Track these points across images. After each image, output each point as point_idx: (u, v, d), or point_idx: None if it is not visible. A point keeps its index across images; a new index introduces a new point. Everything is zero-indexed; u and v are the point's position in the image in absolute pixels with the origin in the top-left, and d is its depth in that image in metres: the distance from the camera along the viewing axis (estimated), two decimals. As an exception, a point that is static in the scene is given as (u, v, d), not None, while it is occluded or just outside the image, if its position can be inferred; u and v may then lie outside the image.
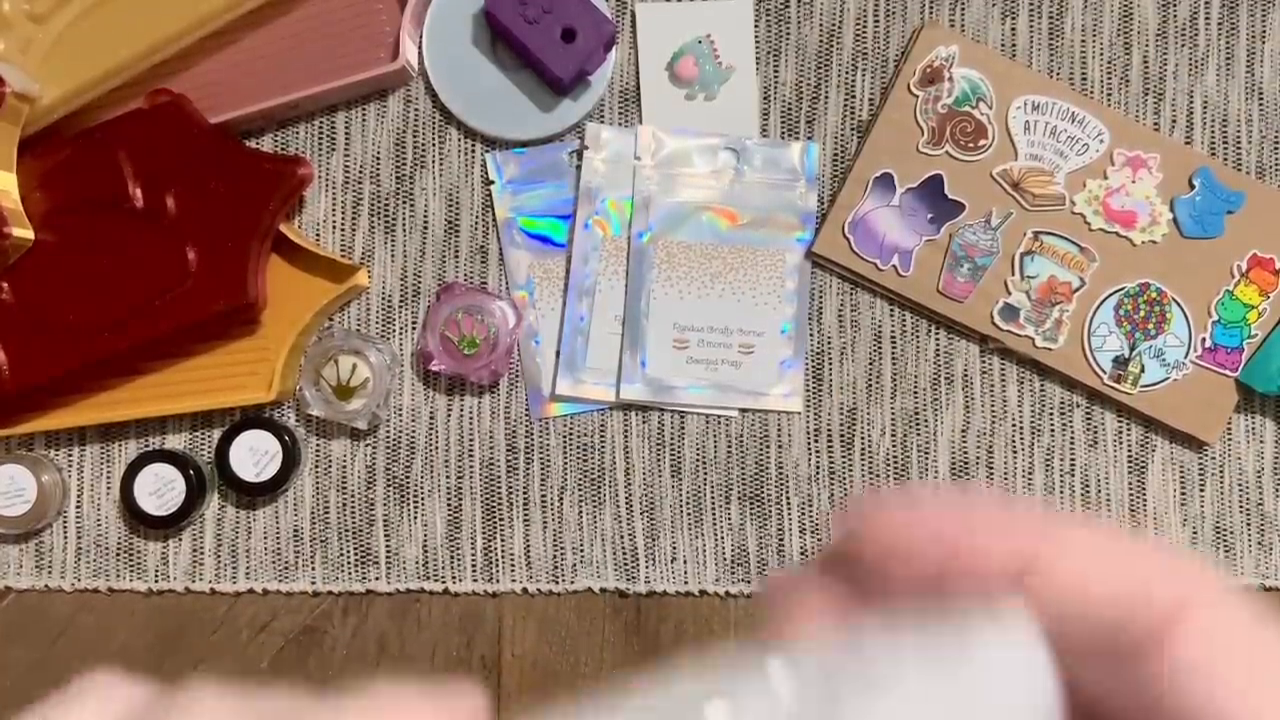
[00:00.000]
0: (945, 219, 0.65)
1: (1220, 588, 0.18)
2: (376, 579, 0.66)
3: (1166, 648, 0.18)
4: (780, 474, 0.66)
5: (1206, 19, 0.66)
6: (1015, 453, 0.66)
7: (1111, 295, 0.65)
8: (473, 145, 0.66)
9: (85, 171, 0.62)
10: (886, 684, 0.18)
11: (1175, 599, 0.18)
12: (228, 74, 0.64)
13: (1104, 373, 0.65)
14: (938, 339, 0.66)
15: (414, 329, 0.66)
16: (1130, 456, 0.66)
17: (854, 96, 0.66)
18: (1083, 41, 0.66)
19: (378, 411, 0.64)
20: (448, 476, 0.66)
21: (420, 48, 0.66)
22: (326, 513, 0.66)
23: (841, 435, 0.66)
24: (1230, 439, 0.66)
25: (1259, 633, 0.18)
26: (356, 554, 0.66)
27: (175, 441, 0.67)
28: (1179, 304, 0.65)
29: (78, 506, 0.67)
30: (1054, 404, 0.66)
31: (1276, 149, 0.66)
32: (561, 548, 0.66)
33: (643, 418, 0.66)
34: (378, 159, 0.66)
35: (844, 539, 0.21)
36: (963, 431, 0.66)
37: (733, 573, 0.66)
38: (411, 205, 0.66)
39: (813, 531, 0.66)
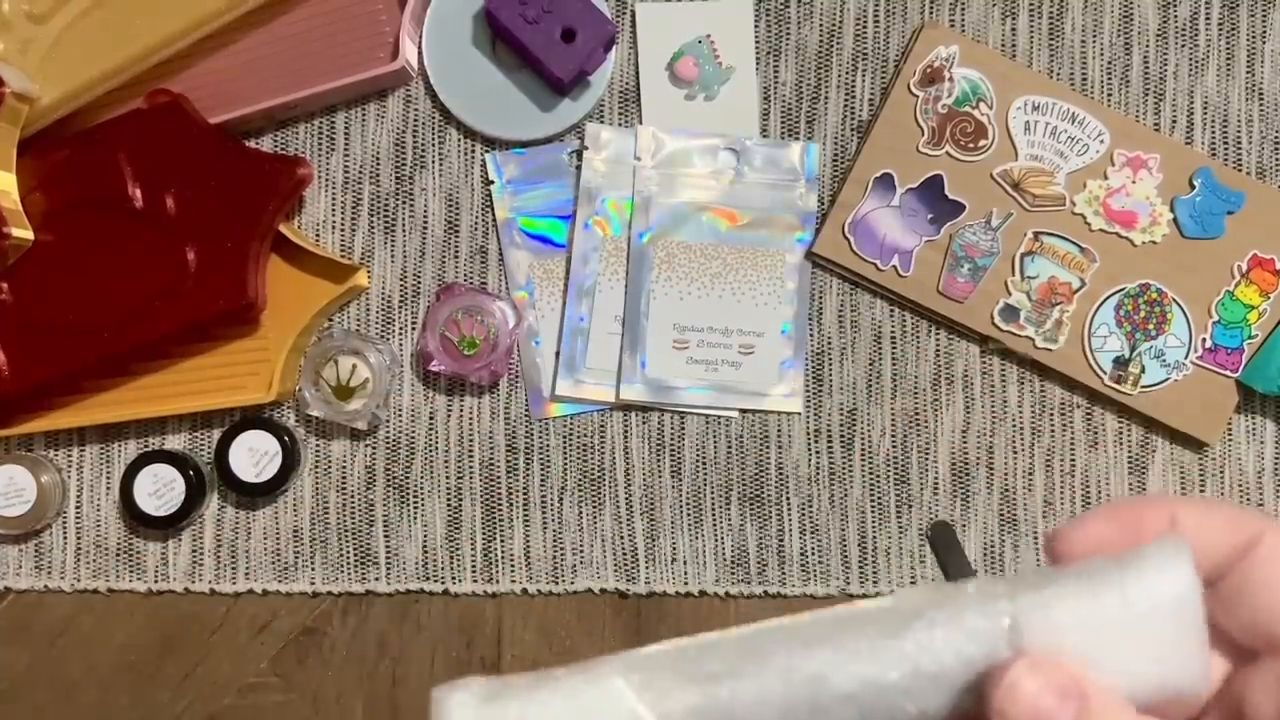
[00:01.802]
0: (945, 219, 0.65)
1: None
2: (376, 579, 0.66)
3: (1248, 559, 0.27)
4: (780, 474, 0.66)
5: (1207, 19, 0.66)
6: (1015, 453, 0.66)
7: (1112, 296, 0.65)
8: (472, 145, 0.66)
9: (85, 171, 0.62)
10: (1061, 585, 0.27)
11: (1256, 530, 0.27)
12: (228, 74, 0.64)
13: (1104, 373, 0.65)
14: (938, 339, 0.66)
15: (414, 329, 0.66)
16: (1130, 457, 0.66)
17: (854, 96, 0.66)
18: (1083, 42, 0.66)
19: (377, 412, 0.64)
20: (447, 477, 0.66)
21: (420, 48, 0.65)
22: (326, 513, 0.66)
23: (841, 435, 0.66)
24: (1230, 440, 0.66)
25: None
26: (356, 554, 0.66)
27: (175, 442, 0.67)
28: (1179, 304, 0.65)
29: (77, 507, 0.67)
30: (1054, 404, 0.66)
31: (1277, 149, 0.66)
32: (561, 548, 0.66)
33: (643, 418, 0.66)
34: (377, 159, 0.66)
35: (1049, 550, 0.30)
36: (963, 432, 0.66)
37: (733, 573, 0.66)
38: (411, 205, 0.66)
39: (813, 532, 0.66)
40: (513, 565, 0.66)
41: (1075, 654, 0.27)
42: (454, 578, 0.66)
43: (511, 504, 0.66)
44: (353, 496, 0.66)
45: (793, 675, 0.27)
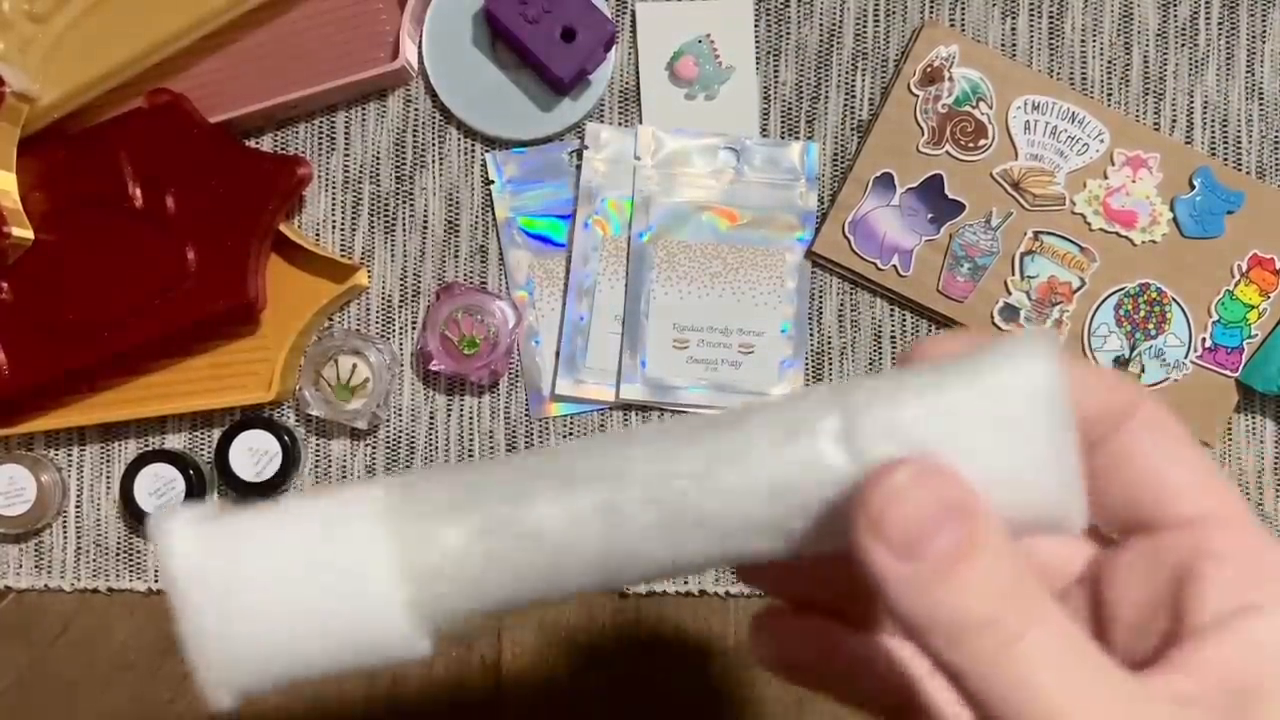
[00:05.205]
0: (945, 219, 0.65)
1: (1155, 396, 0.26)
2: (376, 579, 0.66)
3: (1122, 429, 0.25)
4: (780, 474, 0.66)
5: (1207, 19, 0.66)
6: (1015, 453, 0.66)
7: (1112, 295, 0.65)
8: (473, 145, 0.66)
9: (85, 171, 0.62)
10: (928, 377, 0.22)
11: (1131, 398, 0.25)
12: (228, 74, 0.64)
13: (1104, 373, 0.65)
14: (938, 339, 0.66)
15: (414, 329, 0.66)
16: (1130, 456, 0.66)
17: (854, 96, 0.66)
18: (1083, 41, 0.66)
19: (377, 411, 0.64)
20: (447, 476, 0.66)
21: (420, 47, 0.66)
22: (326, 513, 0.66)
23: (841, 435, 0.66)
24: (1230, 439, 0.66)
25: (1179, 422, 0.26)
26: (356, 554, 0.66)
27: (175, 441, 0.67)
28: (1179, 304, 0.65)
29: (77, 506, 0.67)
30: (1054, 404, 0.66)
31: (1277, 149, 0.66)
32: (561, 548, 0.66)
33: (643, 418, 0.66)
34: (377, 159, 0.66)
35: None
36: (963, 431, 0.66)
37: (733, 573, 0.66)
38: (411, 205, 0.66)
39: (813, 531, 0.66)
40: (513, 565, 0.66)
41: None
42: (454, 577, 0.66)
43: (511, 503, 0.66)
44: (353, 496, 0.66)
45: (578, 475, 0.23)
